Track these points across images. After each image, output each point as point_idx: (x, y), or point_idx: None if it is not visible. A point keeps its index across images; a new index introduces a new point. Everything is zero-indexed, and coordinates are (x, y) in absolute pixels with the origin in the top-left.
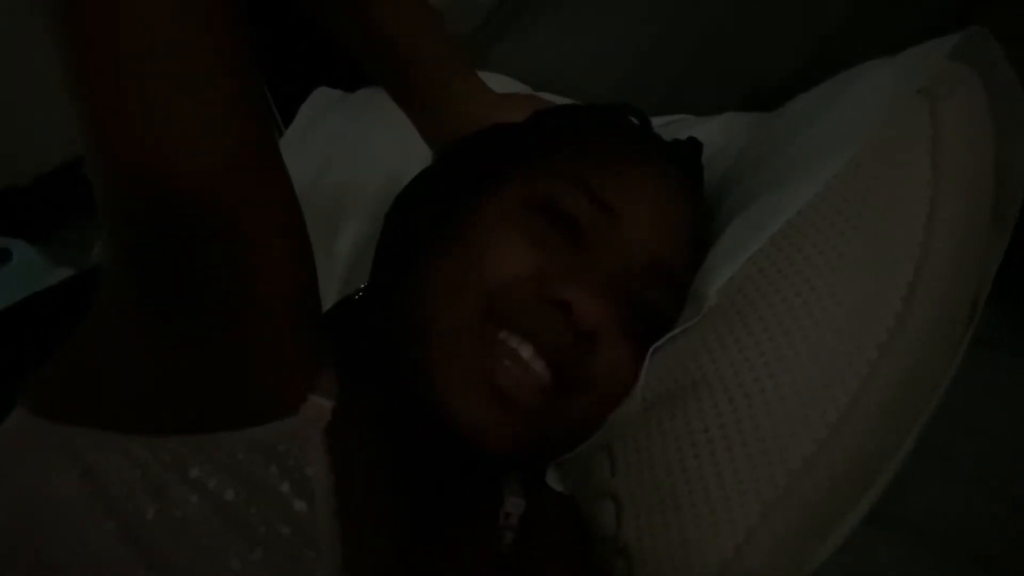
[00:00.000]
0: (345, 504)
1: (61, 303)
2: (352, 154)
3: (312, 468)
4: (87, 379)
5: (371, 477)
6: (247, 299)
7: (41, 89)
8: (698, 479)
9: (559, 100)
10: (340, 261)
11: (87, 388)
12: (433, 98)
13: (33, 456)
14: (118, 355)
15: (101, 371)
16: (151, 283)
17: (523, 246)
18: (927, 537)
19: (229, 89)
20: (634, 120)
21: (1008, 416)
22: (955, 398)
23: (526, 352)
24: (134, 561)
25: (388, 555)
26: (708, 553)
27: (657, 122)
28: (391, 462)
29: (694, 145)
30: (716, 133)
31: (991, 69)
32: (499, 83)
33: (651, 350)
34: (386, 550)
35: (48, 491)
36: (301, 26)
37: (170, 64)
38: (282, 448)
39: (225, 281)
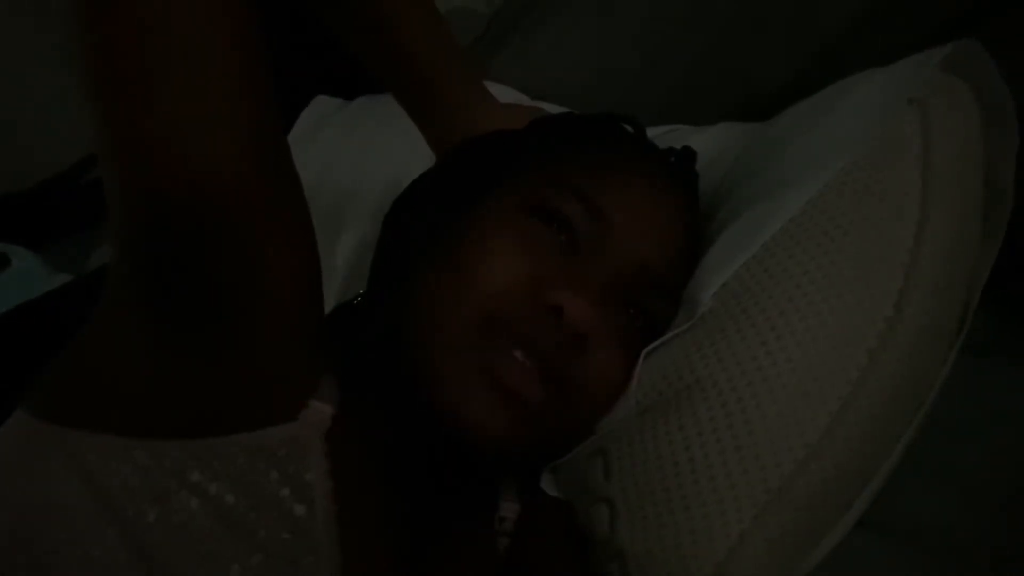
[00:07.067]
0: (344, 509)
1: (59, 309)
2: (351, 161)
3: (312, 473)
4: (89, 382)
5: (370, 482)
6: (253, 303)
7: (42, 96)
8: (692, 483)
9: (559, 111)
10: (339, 267)
11: (89, 392)
12: (439, 106)
13: (34, 460)
14: (120, 359)
15: (103, 375)
16: (157, 286)
17: (517, 253)
18: (921, 541)
19: (249, 95)
20: (629, 129)
21: (1005, 423)
22: (952, 405)
23: (519, 354)
24: (135, 566)
25: (387, 560)
26: (702, 556)
27: (654, 132)
28: (390, 467)
29: (688, 153)
30: (712, 142)
31: (981, 80)
32: (498, 93)
33: (644, 353)
34: (385, 555)
35: (49, 496)
36: (301, 34)
37: (194, 71)
38: (282, 453)
39: (232, 285)
